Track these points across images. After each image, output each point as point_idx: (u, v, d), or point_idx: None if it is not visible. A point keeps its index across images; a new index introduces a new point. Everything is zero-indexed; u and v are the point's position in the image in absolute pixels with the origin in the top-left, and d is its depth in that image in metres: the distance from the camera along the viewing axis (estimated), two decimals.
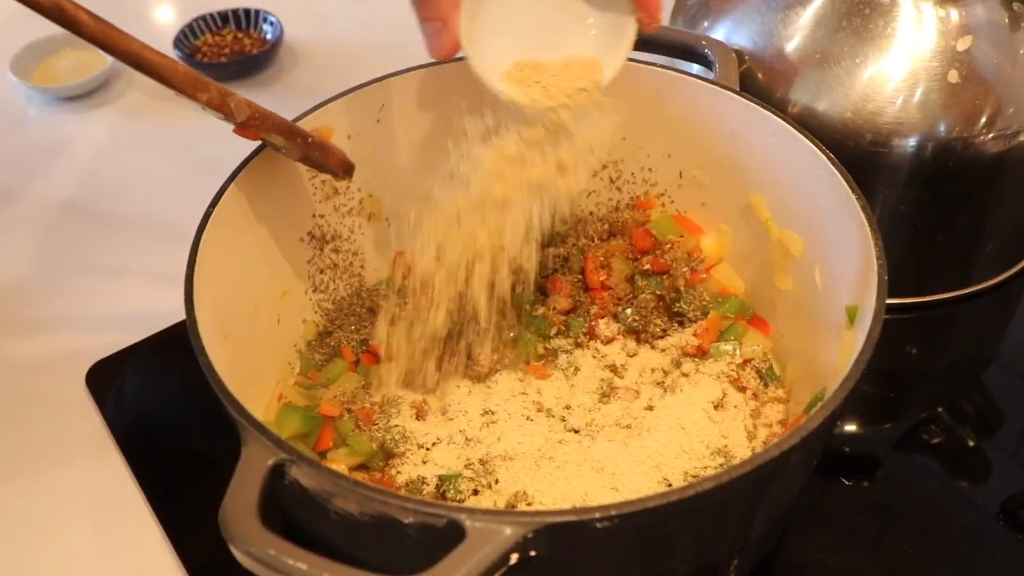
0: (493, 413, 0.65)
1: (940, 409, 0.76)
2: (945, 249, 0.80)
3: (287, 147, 0.63)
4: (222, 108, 0.59)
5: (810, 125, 0.68)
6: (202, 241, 0.59)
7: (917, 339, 0.81)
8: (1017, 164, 0.76)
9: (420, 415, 0.65)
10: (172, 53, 1.06)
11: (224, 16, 1.11)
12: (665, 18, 0.86)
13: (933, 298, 0.82)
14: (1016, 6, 0.73)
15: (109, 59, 1.05)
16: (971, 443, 0.74)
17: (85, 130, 1.03)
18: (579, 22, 0.63)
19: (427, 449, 0.62)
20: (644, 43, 0.76)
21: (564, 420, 0.65)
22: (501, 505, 0.59)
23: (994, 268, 0.83)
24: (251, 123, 0.60)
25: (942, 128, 0.72)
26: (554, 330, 0.71)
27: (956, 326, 0.83)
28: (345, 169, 0.67)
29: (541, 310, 0.72)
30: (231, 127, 0.60)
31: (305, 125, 0.67)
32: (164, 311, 0.78)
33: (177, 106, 1.05)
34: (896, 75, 0.72)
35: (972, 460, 0.72)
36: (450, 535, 0.44)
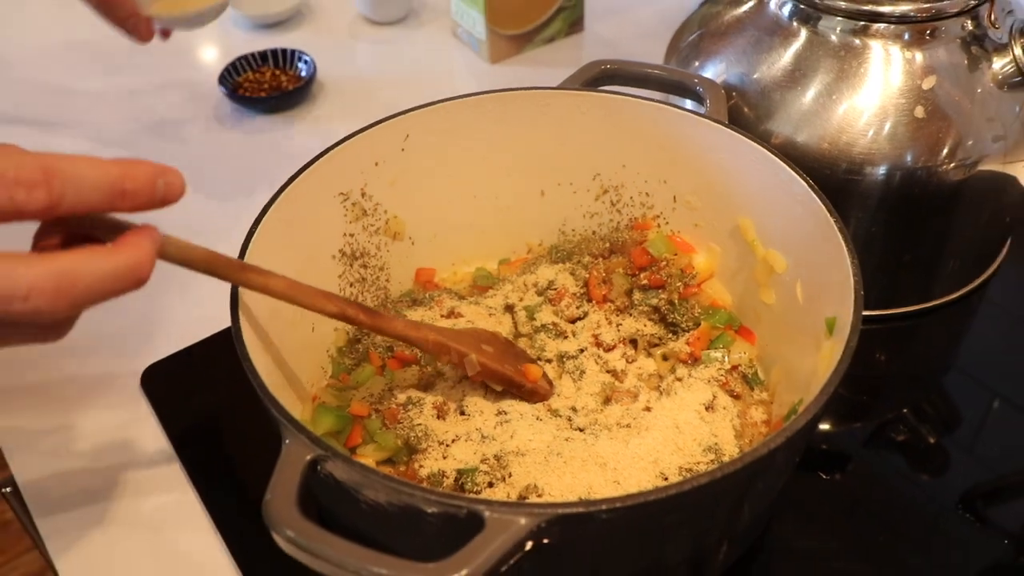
0: (506, 413, 0.64)
1: (905, 410, 0.75)
2: (911, 267, 0.79)
3: (504, 388, 0.66)
4: (460, 365, 0.64)
5: (791, 154, 0.68)
6: (245, 258, 0.59)
7: (885, 348, 0.80)
8: (975, 191, 0.75)
9: (441, 415, 0.64)
10: (218, 90, 1.07)
11: (264, 55, 1.11)
12: (660, 57, 0.85)
13: (899, 311, 0.81)
14: (974, 50, 0.73)
15: None
16: (932, 440, 0.73)
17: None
18: None
19: (447, 445, 0.62)
20: (642, 81, 0.77)
21: (570, 420, 0.65)
22: (514, 497, 0.58)
23: (954, 284, 0.83)
24: (479, 374, 0.64)
25: (909, 158, 0.72)
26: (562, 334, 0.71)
27: (919, 336, 0.82)
28: (544, 399, 0.67)
29: (552, 318, 0.71)
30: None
31: (343, 158, 0.67)
32: (212, 320, 0.78)
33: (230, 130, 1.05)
34: (868, 110, 0.72)
35: (932, 456, 0.72)
36: (470, 524, 0.44)
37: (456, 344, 0.63)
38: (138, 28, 0.85)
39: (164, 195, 0.49)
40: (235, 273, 0.54)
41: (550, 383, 0.68)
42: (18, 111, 1.10)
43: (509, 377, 0.65)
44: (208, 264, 0.52)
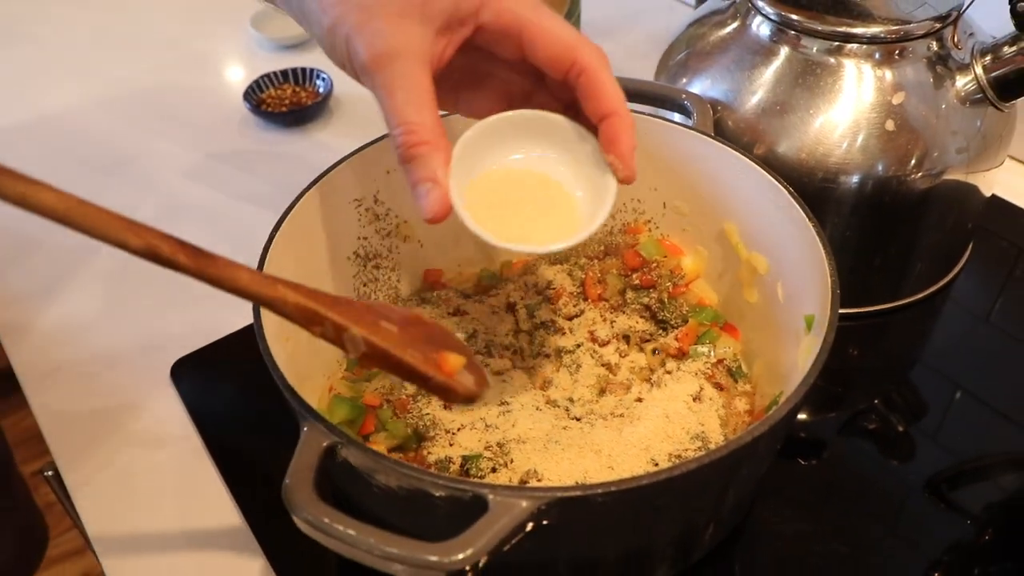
0: (508, 404, 0.63)
1: (876, 401, 0.75)
2: (881, 268, 0.79)
3: (405, 380, 0.51)
4: (337, 342, 0.47)
5: (772, 164, 0.67)
6: (267, 260, 0.58)
7: (858, 343, 0.79)
8: (940, 199, 0.75)
9: (447, 405, 0.64)
10: (242, 105, 1.06)
11: (285, 74, 1.10)
12: (650, 75, 0.85)
13: (871, 309, 0.81)
14: (939, 69, 0.73)
15: None
16: (900, 429, 0.72)
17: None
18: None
19: (453, 433, 0.61)
20: (634, 96, 0.76)
21: (568, 410, 0.64)
22: (515, 481, 0.57)
23: (921, 285, 0.82)
24: (367, 357, 0.48)
25: (880, 168, 0.71)
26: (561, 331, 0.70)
27: (889, 332, 0.82)
28: (469, 399, 0.52)
29: (550, 316, 0.71)
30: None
31: (358, 167, 0.66)
32: (236, 316, 0.77)
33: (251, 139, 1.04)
34: (842, 123, 0.71)
35: (901, 443, 0.71)
36: (475, 507, 0.44)
37: (333, 314, 0.46)
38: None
39: None
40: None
41: (481, 381, 0.53)
42: (50, 125, 1.09)
43: (409, 365, 0.48)
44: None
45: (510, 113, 0.54)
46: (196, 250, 0.43)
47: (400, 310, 0.53)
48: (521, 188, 0.54)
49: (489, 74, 0.57)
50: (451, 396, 0.51)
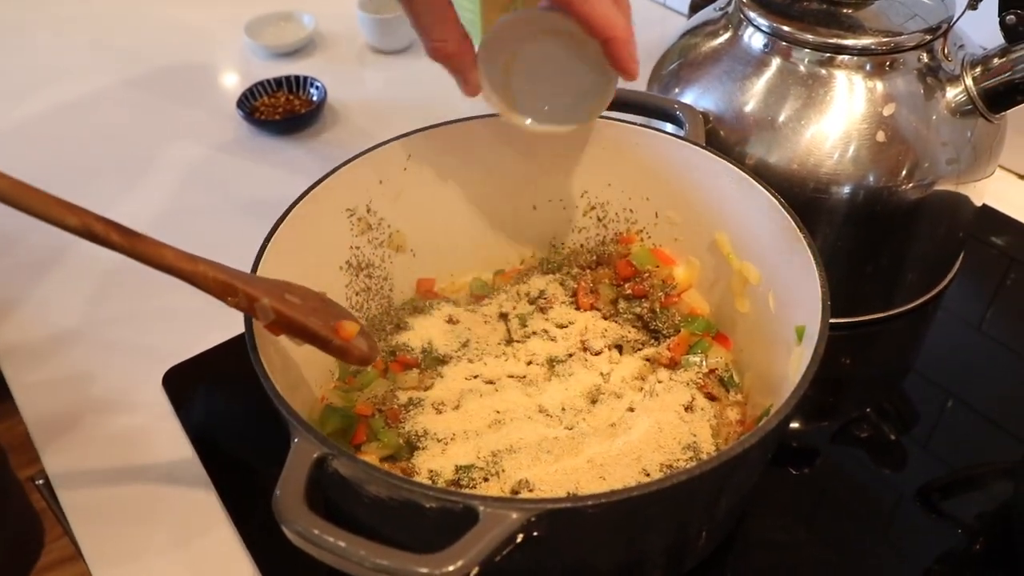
0: (500, 413, 0.63)
1: (868, 410, 0.75)
2: (873, 278, 0.79)
3: (310, 344, 0.56)
4: (249, 310, 0.53)
5: (764, 174, 0.67)
6: (258, 270, 0.58)
7: (850, 352, 0.80)
8: (931, 209, 0.75)
9: (439, 414, 0.64)
10: (236, 113, 1.06)
11: (279, 81, 1.10)
12: (642, 84, 0.85)
13: (863, 318, 0.81)
14: (930, 80, 0.73)
15: None
16: (892, 437, 0.72)
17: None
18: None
19: (445, 443, 0.61)
20: (626, 106, 0.76)
21: (560, 419, 0.64)
22: (507, 491, 0.57)
23: (913, 294, 0.82)
24: (276, 324, 0.53)
25: (871, 178, 0.72)
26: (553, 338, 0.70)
27: (881, 342, 0.82)
28: (364, 361, 0.58)
29: (543, 325, 0.71)
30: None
31: (350, 176, 0.67)
32: (228, 325, 0.77)
33: (246, 151, 1.04)
34: (833, 134, 0.71)
35: (893, 451, 0.71)
36: (466, 518, 0.43)
37: (245, 286, 0.52)
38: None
39: None
40: None
41: (372, 346, 0.59)
42: (46, 129, 1.09)
43: (312, 330, 0.55)
44: None
45: (523, 12, 0.62)
46: (127, 230, 0.49)
47: (304, 288, 0.59)
48: (535, 77, 0.65)
49: None
50: (348, 358, 0.57)
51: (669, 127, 0.76)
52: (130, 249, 0.49)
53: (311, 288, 0.60)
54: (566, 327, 0.71)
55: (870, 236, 0.75)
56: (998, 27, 0.70)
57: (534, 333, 0.70)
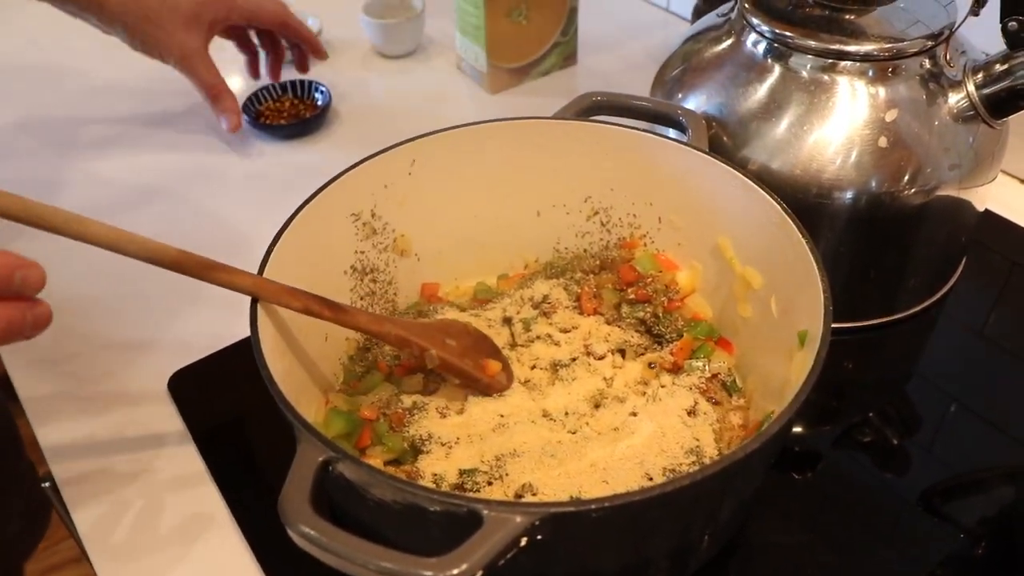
0: (504, 417, 0.64)
1: (870, 414, 0.75)
2: (875, 283, 0.79)
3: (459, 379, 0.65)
4: (420, 359, 0.64)
5: (766, 180, 0.68)
6: (264, 273, 0.58)
7: (852, 357, 0.80)
8: (933, 214, 0.75)
9: (443, 418, 0.64)
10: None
11: (284, 86, 1.11)
12: (646, 89, 0.85)
13: (865, 323, 0.81)
14: (932, 86, 0.73)
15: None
16: (895, 442, 0.72)
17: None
18: None
19: (449, 447, 0.61)
20: (629, 112, 0.77)
21: (563, 423, 0.64)
22: (510, 495, 0.57)
23: (915, 299, 0.82)
24: (440, 369, 0.65)
25: (873, 184, 0.72)
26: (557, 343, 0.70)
27: (884, 346, 0.82)
28: (500, 391, 0.66)
29: (546, 329, 0.71)
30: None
31: (355, 181, 0.67)
32: (234, 329, 0.77)
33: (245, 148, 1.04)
34: (836, 140, 0.72)
35: (895, 456, 0.71)
36: (470, 522, 0.44)
37: (417, 339, 0.63)
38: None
39: (20, 287, 0.46)
40: (204, 272, 0.55)
41: (509, 376, 0.67)
42: (46, 133, 1.09)
43: (467, 373, 0.65)
44: (177, 263, 0.53)
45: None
46: (333, 304, 0.61)
47: (454, 324, 0.68)
48: None
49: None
50: (490, 392, 0.66)
51: (672, 132, 0.76)
52: (337, 320, 0.60)
53: (452, 321, 0.69)
54: (569, 331, 0.71)
55: (872, 241, 0.75)
56: (1000, 33, 0.70)
57: (538, 337, 0.70)
